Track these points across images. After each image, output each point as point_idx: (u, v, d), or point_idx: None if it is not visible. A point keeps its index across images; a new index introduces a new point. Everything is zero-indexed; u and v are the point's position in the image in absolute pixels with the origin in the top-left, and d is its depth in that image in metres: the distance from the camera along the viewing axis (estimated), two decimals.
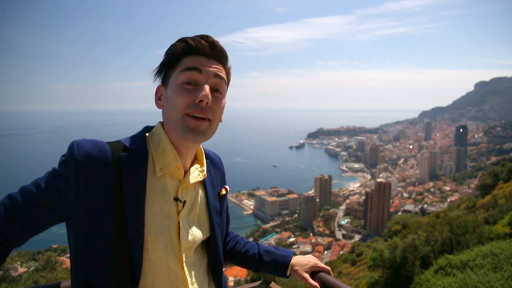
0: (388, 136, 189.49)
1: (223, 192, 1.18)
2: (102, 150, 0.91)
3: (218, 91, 0.99)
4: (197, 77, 0.95)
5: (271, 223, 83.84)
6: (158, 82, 1.04)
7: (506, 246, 6.92)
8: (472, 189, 73.62)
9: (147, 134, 1.03)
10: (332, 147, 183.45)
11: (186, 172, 1.05)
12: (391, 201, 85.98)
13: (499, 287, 5.49)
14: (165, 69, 1.00)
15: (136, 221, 0.90)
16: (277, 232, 77.28)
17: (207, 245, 1.13)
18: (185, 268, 0.99)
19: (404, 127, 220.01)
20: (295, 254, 1.31)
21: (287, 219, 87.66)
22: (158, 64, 1.02)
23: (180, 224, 0.99)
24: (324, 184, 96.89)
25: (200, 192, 1.10)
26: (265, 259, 1.28)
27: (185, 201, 1.01)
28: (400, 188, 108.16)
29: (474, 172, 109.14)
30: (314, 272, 1.26)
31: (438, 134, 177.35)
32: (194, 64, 0.95)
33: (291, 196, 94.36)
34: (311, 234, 76.95)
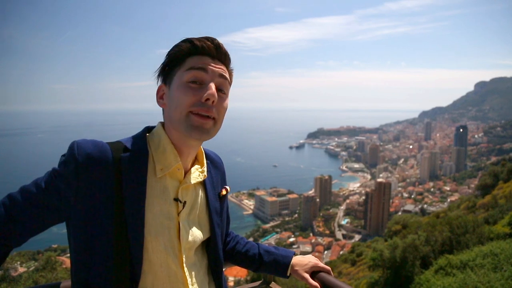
0: (388, 136, 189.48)
1: (224, 192, 1.18)
2: (102, 150, 0.91)
3: (222, 91, 0.99)
4: (203, 76, 0.95)
5: (271, 223, 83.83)
6: (159, 83, 1.04)
7: (506, 246, 6.92)
8: (472, 189, 73.61)
9: (147, 135, 1.03)
10: (332, 147, 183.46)
11: (187, 172, 1.05)
12: (391, 201, 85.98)
13: (499, 287, 5.49)
14: (168, 69, 1.00)
15: (136, 221, 0.90)
16: (277, 232, 77.28)
17: (207, 245, 1.13)
18: (185, 269, 1.00)
19: (404, 127, 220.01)
20: (295, 254, 1.31)
21: (287, 219, 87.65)
22: (159, 64, 1.02)
23: (180, 225, 0.99)
24: (324, 184, 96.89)
25: (201, 193, 1.10)
26: (265, 259, 1.28)
27: (185, 202, 1.01)
28: (400, 188, 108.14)
29: (474, 172, 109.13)
30: (314, 272, 1.26)
31: (438, 134, 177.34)
32: (200, 64, 0.96)
33: (291, 196, 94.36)
34: (311, 234, 76.95)
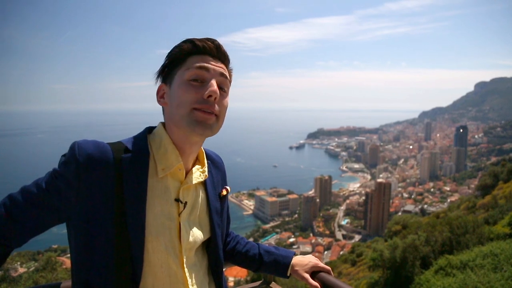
0: (388, 137, 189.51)
1: (224, 192, 1.18)
2: (103, 151, 0.91)
3: (223, 89, 1.01)
4: (204, 74, 0.96)
5: (271, 224, 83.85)
6: (159, 83, 1.05)
7: (506, 246, 6.92)
8: (472, 189, 73.58)
9: (148, 135, 1.03)
10: (332, 147, 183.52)
11: (188, 172, 1.05)
12: (391, 201, 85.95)
13: (499, 287, 5.50)
14: (169, 69, 1.01)
15: (137, 221, 0.90)
16: (277, 233, 77.29)
17: (207, 246, 1.12)
18: (186, 269, 1.00)
19: (404, 127, 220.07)
20: (295, 254, 1.31)
21: (287, 219, 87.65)
22: (159, 64, 1.03)
23: (181, 225, 0.99)
24: (324, 185, 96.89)
25: (201, 193, 1.10)
26: (266, 259, 1.28)
27: (186, 202, 1.01)
28: (400, 189, 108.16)
29: (474, 172, 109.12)
30: (315, 272, 1.26)
31: (438, 135, 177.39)
32: (201, 62, 0.97)
33: (291, 196, 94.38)
34: (311, 235, 76.94)
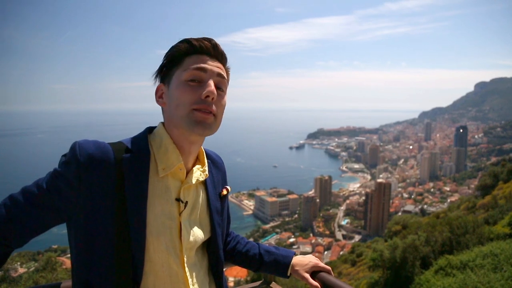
0: (388, 137, 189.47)
1: (224, 192, 1.19)
2: (104, 151, 0.91)
3: (220, 89, 1.01)
4: (201, 75, 0.97)
5: (271, 224, 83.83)
6: (158, 83, 1.05)
7: (506, 246, 6.92)
8: (472, 189, 73.59)
9: (149, 135, 1.03)
10: (332, 148, 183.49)
11: (188, 172, 1.05)
12: (391, 201, 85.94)
13: (499, 287, 5.50)
14: (167, 69, 1.01)
15: (138, 221, 0.90)
16: (277, 233, 77.27)
17: (207, 245, 1.13)
18: (186, 269, 1.00)
19: (404, 127, 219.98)
20: (295, 254, 1.31)
21: (287, 219, 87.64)
22: (159, 64, 1.04)
23: (182, 225, 0.99)
24: (324, 185, 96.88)
25: (202, 193, 1.10)
26: (266, 259, 1.28)
27: (187, 202, 1.02)
28: (400, 189, 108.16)
29: (474, 172, 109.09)
30: (315, 272, 1.26)
31: (438, 135, 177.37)
32: (198, 63, 0.97)
33: (291, 196, 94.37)
34: (311, 235, 76.93)
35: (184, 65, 0.97)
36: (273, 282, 1.76)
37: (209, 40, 1.00)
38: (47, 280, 7.95)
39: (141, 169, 0.94)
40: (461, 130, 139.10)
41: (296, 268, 1.27)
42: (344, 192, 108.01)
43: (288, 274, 1.28)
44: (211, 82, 0.96)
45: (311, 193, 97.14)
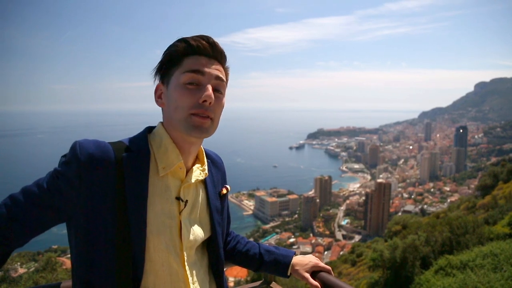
0: (388, 137, 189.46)
1: (224, 191, 1.19)
2: (104, 150, 0.91)
3: (219, 91, 1.01)
4: (200, 78, 0.96)
5: (271, 224, 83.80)
6: (157, 82, 1.05)
7: (506, 246, 6.92)
8: (472, 189, 73.57)
9: (149, 135, 1.04)
10: (332, 148, 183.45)
11: (188, 171, 1.06)
12: (391, 201, 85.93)
13: (499, 287, 5.50)
14: (165, 68, 1.01)
15: (138, 220, 0.91)
16: (277, 233, 77.24)
17: (208, 244, 1.13)
18: (187, 268, 1.00)
19: (404, 127, 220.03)
20: (295, 254, 1.31)
21: (287, 219, 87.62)
22: (158, 63, 1.04)
23: (182, 224, 1.00)
24: (324, 185, 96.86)
25: (201, 192, 1.10)
26: (266, 259, 1.28)
27: (187, 201, 1.02)
28: (400, 189, 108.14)
29: (474, 172, 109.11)
30: (315, 272, 1.26)
31: (438, 135, 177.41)
32: (197, 66, 0.96)
33: (291, 196, 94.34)
34: (311, 235, 76.89)
35: (182, 66, 0.97)
36: (273, 282, 1.75)
37: (207, 40, 0.99)
38: (47, 281, 7.95)
39: (141, 168, 0.95)
40: (461, 130, 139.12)
41: (296, 267, 1.27)
42: (344, 192, 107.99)
43: (288, 274, 1.27)
44: (209, 87, 0.96)
45: (311, 193, 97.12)
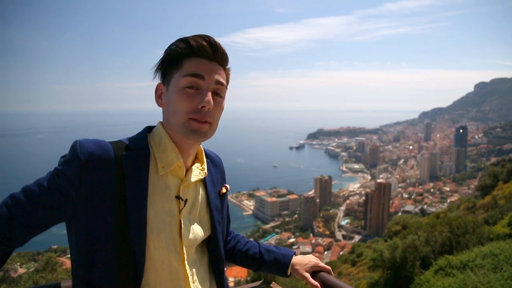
0: (388, 137, 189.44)
1: (224, 190, 1.20)
2: (104, 149, 0.91)
3: (218, 95, 1.01)
4: (199, 83, 0.96)
5: (271, 224, 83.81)
6: (157, 80, 1.04)
7: (506, 246, 6.93)
8: (472, 189, 73.51)
9: (148, 134, 1.04)
10: (332, 148, 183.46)
11: (187, 170, 1.06)
12: (391, 201, 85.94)
13: (499, 287, 5.50)
14: (165, 68, 1.00)
15: (139, 219, 0.91)
16: (277, 233, 77.25)
17: (208, 243, 1.13)
18: (187, 266, 1.00)
19: (404, 127, 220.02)
20: (295, 254, 1.32)
21: (287, 219, 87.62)
22: (158, 61, 1.03)
23: (182, 222, 1.00)
24: (324, 185, 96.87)
25: (201, 191, 1.11)
26: (266, 258, 1.28)
27: (186, 200, 1.02)
28: (400, 189, 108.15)
29: (474, 172, 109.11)
30: (315, 272, 1.27)
31: (438, 135, 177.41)
32: (197, 71, 0.96)
33: (291, 196, 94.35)
34: (311, 235, 76.91)
35: (183, 68, 0.96)
36: (273, 282, 1.75)
37: (208, 41, 0.97)
38: (47, 281, 7.94)
39: (141, 167, 0.95)
40: (461, 131, 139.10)
41: (296, 267, 1.27)
42: (344, 192, 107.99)
43: (288, 274, 1.27)
44: (209, 93, 0.96)
45: (311, 193, 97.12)
